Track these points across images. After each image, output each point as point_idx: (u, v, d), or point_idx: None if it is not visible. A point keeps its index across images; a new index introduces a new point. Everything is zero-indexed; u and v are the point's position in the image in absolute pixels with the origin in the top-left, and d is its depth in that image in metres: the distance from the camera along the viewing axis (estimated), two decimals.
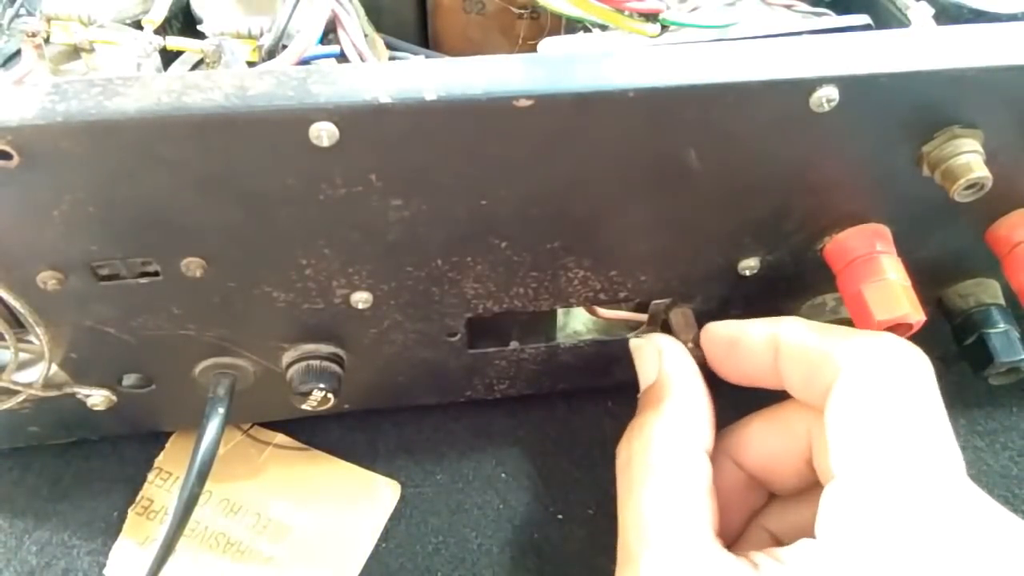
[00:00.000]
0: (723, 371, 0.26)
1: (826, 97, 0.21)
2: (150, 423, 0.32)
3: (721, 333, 0.26)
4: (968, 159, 0.22)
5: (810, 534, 0.22)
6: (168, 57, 0.27)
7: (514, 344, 0.30)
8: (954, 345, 0.30)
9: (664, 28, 0.27)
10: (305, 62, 0.26)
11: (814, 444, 0.24)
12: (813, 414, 0.23)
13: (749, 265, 0.27)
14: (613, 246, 0.26)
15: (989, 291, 0.29)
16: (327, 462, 0.33)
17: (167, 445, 0.33)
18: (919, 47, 0.21)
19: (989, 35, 0.22)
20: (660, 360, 0.26)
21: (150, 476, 0.32)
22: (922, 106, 0.22)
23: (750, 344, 0.24)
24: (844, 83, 0.21)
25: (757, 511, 0.26)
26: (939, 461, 0.20)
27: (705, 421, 0.24)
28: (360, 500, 0.32)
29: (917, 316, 0.24)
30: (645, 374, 0.26)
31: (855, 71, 0.21)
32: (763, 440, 0.25)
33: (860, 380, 0.21)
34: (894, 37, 0.22)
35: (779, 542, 0.25)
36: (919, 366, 0.22)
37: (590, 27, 0.28)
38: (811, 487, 0.24)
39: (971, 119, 0.22)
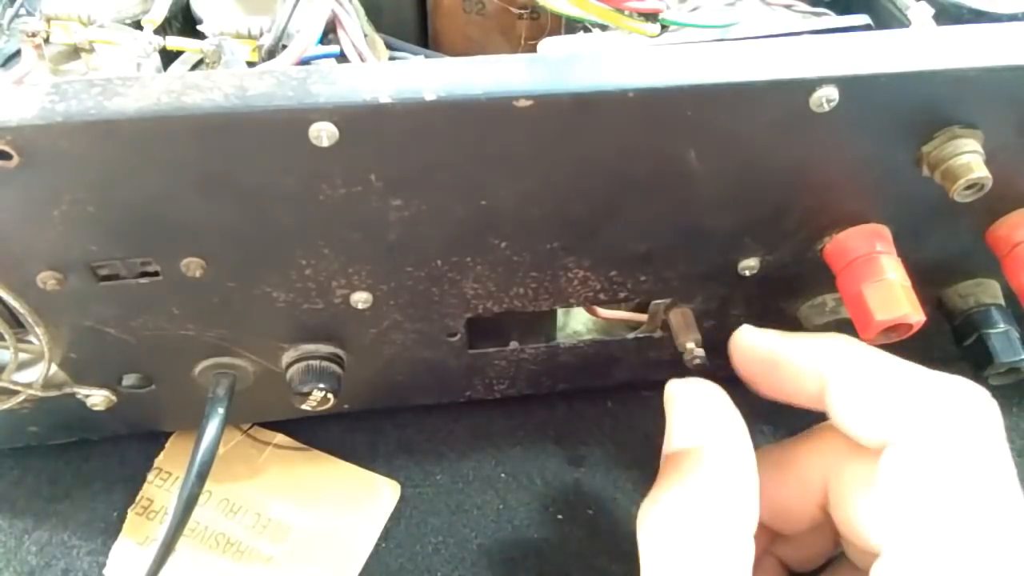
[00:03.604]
0: (758, 388, 0.23)
1: (826, 97, 0.21)
2: (150, 423, 0.32)
3: (759, 350, 0.23)
4: (968, 159, 0.22)
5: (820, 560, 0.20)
6: (168, 57, 0.27)
7: (514, 344, 0.30)
8: (954, 345, 0.30)
9: (664, 28, 0.27)
10: (305, 62, 0.26)
11: (832, 493, 0.22)
12: (829, 461, 0.22)
13: (749, 265, 0.27)
14: (613, 246, 0.26)
15: (989, 291, 0.29)
16: (327, 462, 0.33)
17: (167, 445, 0.33)
18: (919, 47, 0.21)
19: (989, 35, 0.22)
20: (707, 424, 0.22)
21: (150, 476, 0.32)
22: (922, 106, 0.22)
23: (795, 373, 0.22)
24: (844, 83, 0.21)
25: (765, 549, 0.25)
26: (1005, 539, 0.18)
27: (756, 502, 0.20)
28: (360, 500, 0.32)
29: (917, 316, 0.24)
30: (680, 433, 0.22)
31: (855, 71, 0.21)
32: (774, 490, 0.22)
33: (919, 448, 0.19)
34: (894, 37, 0.22)
35: (789, 570, 0.25)
36: (987, 418, 0.19)
37: (590, 27, 0.28)
38: (821, 526, 0.23)
39: (971, 119, 0.22)
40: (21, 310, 0.24)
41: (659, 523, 0.20)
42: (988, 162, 0.22)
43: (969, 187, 0.22)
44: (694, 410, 0.22)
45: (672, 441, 0.22)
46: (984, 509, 0.18)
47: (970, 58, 0.21)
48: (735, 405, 0.23)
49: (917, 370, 0.21)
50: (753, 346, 0.23)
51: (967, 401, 0.20)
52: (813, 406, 0.22)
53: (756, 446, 0.22)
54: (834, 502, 0.22)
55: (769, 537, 0.25)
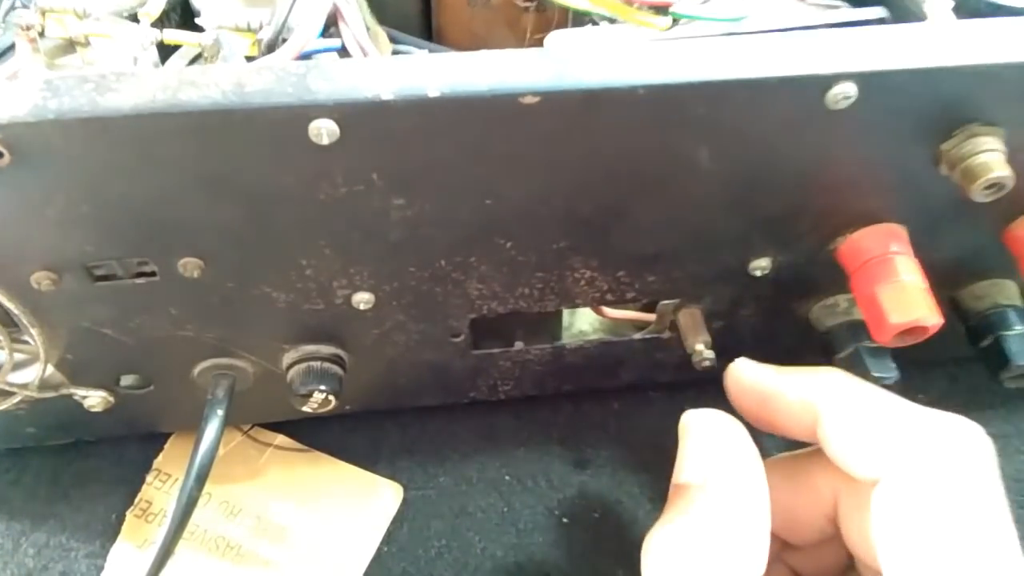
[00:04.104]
0: (752, 421, 0.23)
1: (843, 94, 0.20)
2: (149, 424, 0.31)
3: (753, 384, 0.23)
4: (988, 158, 0.22)
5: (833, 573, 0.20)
6: (166, 51, 0.27)
7: (519, 345, 0.30)
8: (969, 347, 0.29)
9: (675, 21, 0.26)
10: (306, 56, 0.25)
11: (842, 506, 0.22)
12: (840, 476, 0.21)
13: (760, 265, 0.26)
14: (621, 246, 0.25)
15: (1005, 292, 0.29)
16: (328, 464, 0.32)
17: (166, 446, 0.32)
18: (939, 42, 0.21)
19: (1010, 29, 0.21)
20: (721, 459, 0.21)
21: (149, 478, 0.32)
22: (941, 103, 0.21)
23: (788, 408, 0.22)
24: (862, 79, 0.20)
25: (775, 557, 0.24)
26: (996, 568, 0.18)
27: (766, 542, 0.20)
28: (362, 502, 0.31)
29: (934, 319, 0.24)
30: (693, 465, 0.21)
31: (874, 67, 0.20)
32: (785, 500, 0.22)
33: (911, 479, 0.19)
34: (913, 31, 0.21)
35: None
36: (980, 456, 0.19)
37: (598, 20, 0.27)
38: (833, 539, 0.23)
39: (991, 116, 0.22)
40: (16, 311, 0.23)
41: (665, 555, 0.20)
42: (1009, 160, 0.22)
43: (989, 187, 0.22)
44: (709, 443, 0.22)
45: (683, 472, 0.22)
46: (973, 547, 0.18)
47: (992, 53, 0.21)
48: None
49: (909, 407, 0.21)
50: (747, 380, 0.23)
51: (958, 439, 0.20)
52: (807, 439, 0.22)
53: (768, 455, 0.22)
54: (843, 515, 0.22)
55: (779, 546, 0.24)
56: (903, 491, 0.19)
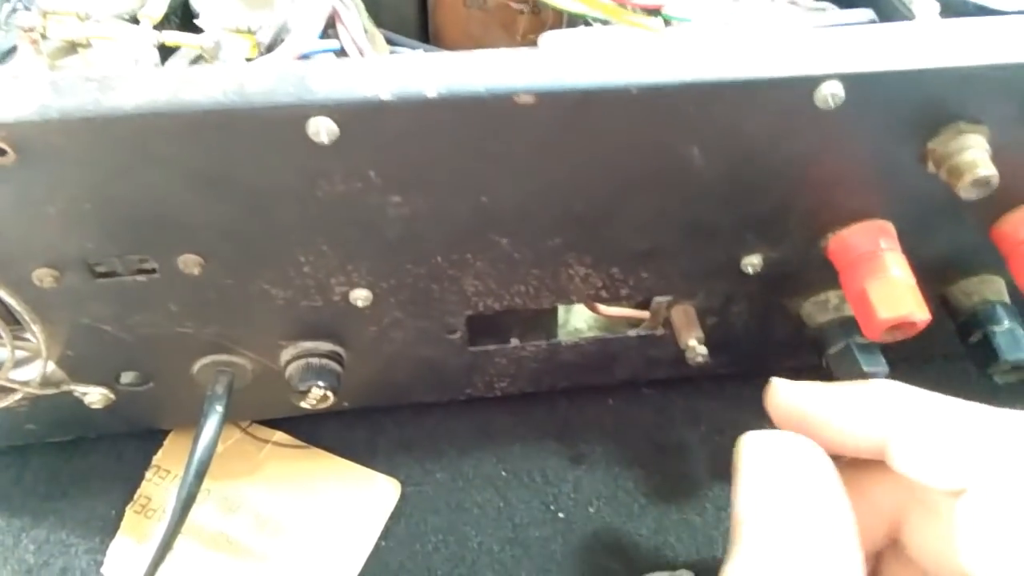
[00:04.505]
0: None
1: (831, 94, 0.21)
2: (148, 421, 0.31)
3: (802, 410, 0.21)
4: (974, 156, 0.22)
5: None
6: (166, 52, 0.27)
7: (515, 341, 0.30)
8: (958, 343, 0.30)
9: (666, 23, 0.27)
10: (304, 57, 0.25)
11: (910, 520, 0.21)
12: (904, 489, 0.20)
13: (752, 262, 0.27)
14: (615, 243, 0.25)
15: (994, 288, 0.29)
16: (326, 460, 0.33)
17: (165, 443, 0.33)
18: (926, 43, 0.21)
19: (995, 30, 0.22)
20: (798, 488, 0.19)
21: (148, 474, 0.32)
22: (928, 102, 0.22)
23: (848, 432, 0.21)
24: (850, 80, 0.20)
25: None
26: None
27: (856, 566, 0.19)
28: (360, 498, 0.32)
29: (922, 315, 0.24)
30: (756, 496, 0.20)
31: (862, 68, 0.21)
32: None
33: (1002, 485, 0.18)
34: (900, 32, 0.22)
35: None
36: None
37: (591, 22, 0.28)
38: (883, 550, 0.22)
39: (977, 115, 0.22)
40: (17, 307, 0.24)
41: None
42: (994, 158, 0.22)
43: (975, 184, 0.22)
44: (767, 471, 0.20)
45: (741, 505, 0.20)
46: None
47: (977, 54, 0.21)
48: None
49: (982, 410, 0.20)
50: (794, 405, 0.22)
51: None
52: (866, 456, 0.21)
53: None
54: (912, 528, 0.21)
55: None
56: (993, 498, 0.18)
